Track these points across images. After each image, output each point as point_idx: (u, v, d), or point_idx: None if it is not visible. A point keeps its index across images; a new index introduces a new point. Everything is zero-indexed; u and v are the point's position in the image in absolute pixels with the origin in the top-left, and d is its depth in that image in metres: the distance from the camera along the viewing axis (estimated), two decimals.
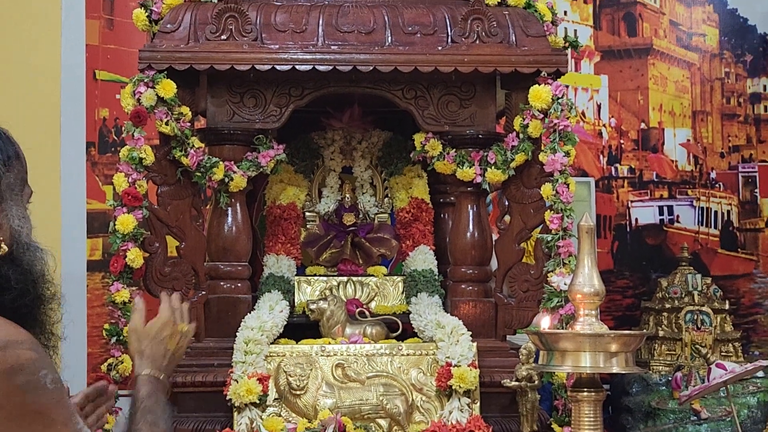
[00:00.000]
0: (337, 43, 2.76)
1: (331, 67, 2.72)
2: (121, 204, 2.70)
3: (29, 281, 1.63)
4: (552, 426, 2.73)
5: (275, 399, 2.62)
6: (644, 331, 3.54)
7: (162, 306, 2.06)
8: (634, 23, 4.39)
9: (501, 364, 2.75)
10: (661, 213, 4.36)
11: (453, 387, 2.60)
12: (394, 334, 2.83)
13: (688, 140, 4.39)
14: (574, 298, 1.88)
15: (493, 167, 2.83)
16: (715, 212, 4.38)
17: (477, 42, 2.78)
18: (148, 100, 2.70)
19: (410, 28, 2.79)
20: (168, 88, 2.72)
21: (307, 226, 3.13)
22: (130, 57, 3.60)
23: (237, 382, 2.56)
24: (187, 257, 2.84)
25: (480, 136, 2.87)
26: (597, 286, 1.86)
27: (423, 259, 3.02)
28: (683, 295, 3.65)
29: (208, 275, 2.85)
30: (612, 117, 4.34)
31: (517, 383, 2.65)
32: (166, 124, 2.73)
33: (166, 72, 2.72)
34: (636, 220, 4.33)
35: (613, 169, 4.34)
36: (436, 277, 2.96)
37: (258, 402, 2.57)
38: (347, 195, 3.14)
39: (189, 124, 2.77)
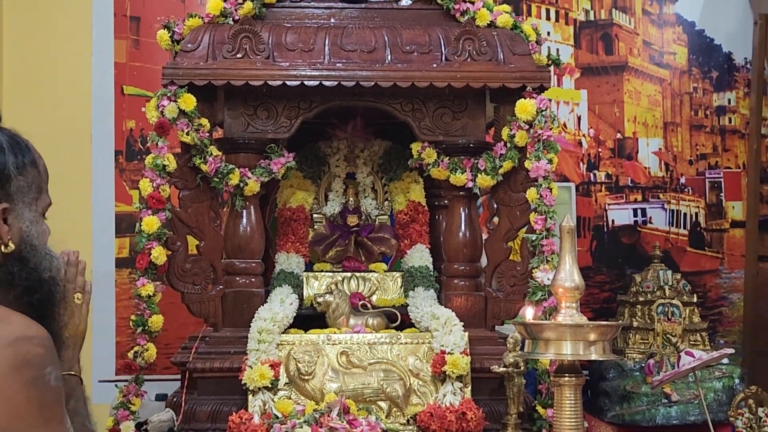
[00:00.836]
0: (342, 61, 2.76)
1: (336, 83, 2.73)
2: (146, 207, 2.70)
3: (35, 280, 1.59)
4: (536, 408, 2.73)
5: (286, 383, 2.62)
6: (620, 322, 3.54)
7: None
8: (611, 43, 4.38)
9: (490, 351, 2.75)
10: (635, 215, 4.35)
11: (447, 372, 2.60)
12: (394, 325, 2.83)
13: (660, 149, 4.38)
14: (557, 292, 1.88)
15: (483, 173, 2.83)
16: (684, 214, 4.37)
17: (468, 60, 2.78)
18: (170, 113, 2.70)
19: (408, 48, 2.79)
20: (189, 101, 2.72)
21: (315, 227, 3.13)
22: (154, 74, 3.60)
23: (251, 368, 2.56)
24: (206, 255, 2.84)
25: (471, 145, 2.87)
26: (577, 281, 1.87)
27: (419, 256, 3.01)
28: (655, 290, 3.64)
29: (225, 271, 2.85)
30: (591, 128, 4.34)
31: (504, 369, 2.65)
32: (187, 134, 2.73)
33: (186, 87, 2.72)
34: (612, 221, 4.33)
35: (591, 175, 4.33)
36: (432, 273, 2.96)
37: (270, 386, 2.57)
38: (351, 198, 3.14)
39: (207, 134, 2.77)
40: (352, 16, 2.96)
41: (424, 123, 2.85)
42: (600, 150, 4.35)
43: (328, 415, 2.41)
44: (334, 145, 3.16)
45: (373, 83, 2.72)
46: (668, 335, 3.54)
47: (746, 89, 4.40)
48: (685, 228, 4.37)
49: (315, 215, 3.14)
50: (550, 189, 2.78)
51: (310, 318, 2.84)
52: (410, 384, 2.66)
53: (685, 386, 3.36)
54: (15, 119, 4.13)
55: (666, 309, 3.60)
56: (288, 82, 2.72)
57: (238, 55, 2.74)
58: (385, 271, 3.03)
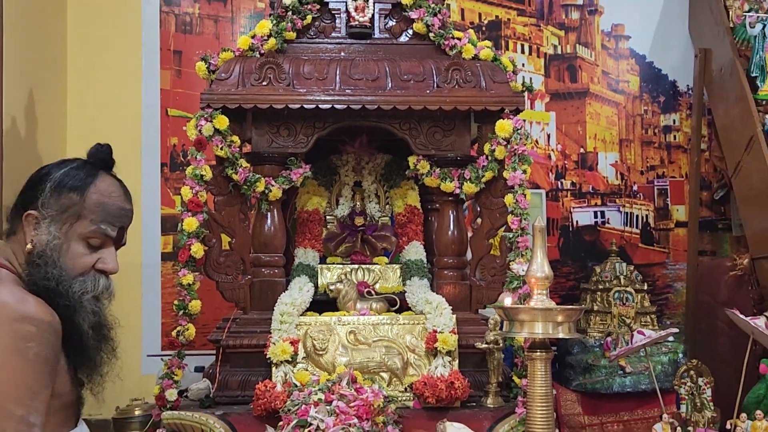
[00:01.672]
0: (350, 87, 2.75)
1: (345, 106, 2.72)
2: (187, 209, 2.70)
3: (41, 281, 1.59)
4: (513, 378, 2.72)
5: (303, 357, 2.62)
6: (583, 306, 3.53)
7: None
8: (575, 73, 4.37)
9: (474, 331, 2.74)
10: (595, 216, 4.34)
11: (438, 348, 2.60)
12: (393, 308, 2.83)
13: (616, 161, 4.37)
14: (530, 281, 1.88)
15: (468, 182, 2.83)
16: (637, 216, 4.36)
17: (456, 87, 2.78)
18: (207, 131, 2.70)
19: (405, 77, 2.79)
20: (222, 122, 2.72)
21: (328, 227, 3.13)
22: (193, 98, 3.61)
23: (274, 344, 2.56)
24: (237, 250, 2.84)
25: (458, 158, 2.87)
26: (547, 272, 1.86)
27: (415, 251, 3.01)
28: (612, 279, 3.63)
29: (252, 264, 2.85)
30: (558, 144, 4.33)
31: (486, 345, 2.65)
32: (221, 149, 2.73)
33: (220, 110, 2.72)
34: (576, 222, 4.32)
35: (559, 183, 4.32)
36: (425, 265, 2.95)
37: (290, 360, 2.57)
38: (358, 203, 3.13)
39: (238, 149, 2.77)
40: (359, 50, 2.95)
41: (419, 140, 2.84)
42: (566, 162, 4.34)
43: (339, 384, 2.41)
44: (343, 158, 3.15)
45: (376, 106, 2.72)
46: (623, 317, 3.54)
47: (688, 111, 4.39)
48: (637, 227, 4.37)
49: (328, 217, 3.14)
50: (525, 195, 2.77)
51: (323, 303, 2.84)
52: (407, 358, 2.66)
53: (637, 360, 3.35)
54: (79, 137, 4.15)
55: (621, 295, 3.59)
56: (305, 106, 2.72)
57: (264, 83, 2.73)
58: (386, 264, 3.03)
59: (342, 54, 2.94)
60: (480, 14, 4.33)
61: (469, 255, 2.94)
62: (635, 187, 4.38)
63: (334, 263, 3.02)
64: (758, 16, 3.97)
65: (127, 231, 1.82)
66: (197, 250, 2.69)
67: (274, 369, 2.56)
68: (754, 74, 3.93)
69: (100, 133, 3.88)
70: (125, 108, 4.00)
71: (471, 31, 3.03)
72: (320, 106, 2.72)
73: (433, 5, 2.92)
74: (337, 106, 2.72)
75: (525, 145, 2.78)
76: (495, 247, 2.93)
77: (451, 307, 2.68)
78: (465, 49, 2.87)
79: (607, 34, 4.41)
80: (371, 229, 3.09)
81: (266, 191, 2.79)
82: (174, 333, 2.69)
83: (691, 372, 2.96)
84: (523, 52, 4.34)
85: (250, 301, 2.81)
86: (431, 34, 2.92)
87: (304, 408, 2.25)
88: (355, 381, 2.45)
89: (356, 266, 2.99)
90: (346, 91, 2.74)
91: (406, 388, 2.62)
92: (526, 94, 2.91)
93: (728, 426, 2.83)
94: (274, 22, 2.88)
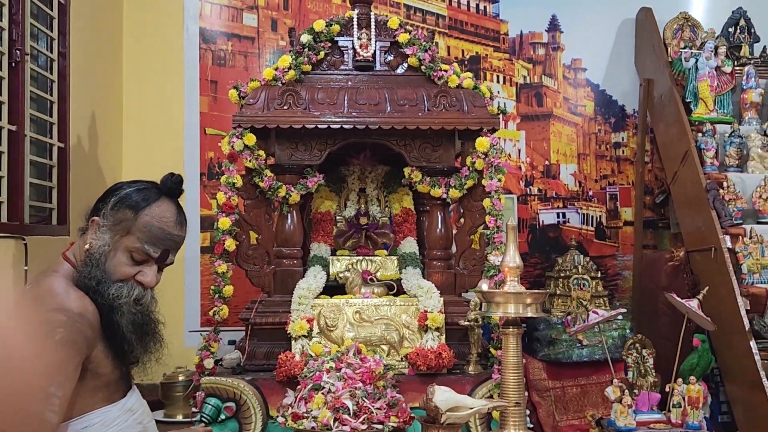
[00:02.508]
0: (356, 111, 2.76)
1: (352, 126, 2.73)
2: (222, 211, 2.71)
3: (88, 276, 1.55)
4: (490, 350, 2.73)
5: (317, 333, 2.62)
6: (547, 291, 3.55)
7: None
8: (542, 99, 4.38)
9: (458, 311, 2.74)
10: (558, 217, 4.35)
11: (428, 325, 2.60)
12: (392, 292, 2.83)
13: (575, 172, 4.38)
14: (504, 270, 1.88)
15: (453, 188, 2.83)
16: (592, 216, 4.37)
17: (443, 110, 2.78)
18: (238, 147, 2.71)
19: (402, 102, 2.79)
20: (250, 139, 2.72)
21: (337, 225, 3.12)
22: (227, 120, 3.60)
23: (294, 322, 2.56)
24: (263, 245, 2.84)
25: (445, 168, 2.87)
26: (518, 263, 1.87)
27: (409, 245, 3.01)
28: (572, 268, 3.65)
29: (275, 256, 2.85)
30: (527, 157, 4.34)
31: (468, 323, 2.65)
32: (250, 161, 2.73)
33: (249, 129, 2.72)
34: (542, 221, 4.33)
35: (528, 189, 4.33)
36: (418, 257, 2.95)
37: (307, 335, 2.57)
38: (362, 205, 3.13)
39: (264, 161, 2.77)
40: (363, 80, 2.95)
41: (413, 154, 2.85)
42: (534, 172, 4.35)
43: (347, 355, 2.41)
44: (350, 169, 3.16)
45: (377, 126, 2.72)
46: (581, 300, 3.55)
47: (634, 130, 4.40)
48: (592, 226, 4.38)
49: (337, 217, 3.13)
50: (500, 199, 2.78)
51: (334, 288, 2.83)
52: (403, 333, 2.66)
53: (592, 335, 3.36)
54: (133, 152, 4.13)
55: (579, 282, 3.60)
56: (319, 126, 2.72)
57: (285, 107, 2.73)
58: (386, 256, 3.03)
59: (349, 83, 2.94)
60: (463, 50, 4.34)
61: (453, 248, 2.95)
62: (591, 193, 4.39)
63: (342, 255, 3.02)
64: (692, 52, 3.99)
65: (175, 254, 1.71)
66: (230, 244, 2.69)
67: (293, 342, 2.56)
68: (688, 100, 3.96)
69: (150, 149, 3.91)
70: (171, 127, 4.01)
71: (455, 64, 3.04)
72: (331, 126, 2.72)
73: (424, 43, 2.93)
74: (345, 126, 2.72)
75: (500, 158, 2.78)
76: (475, 242, 2.94)
77: (439, 292, 2.68)
78: (450, 79, 2.87)
79: (567, 66, 4.43)
80: (373, 227, 3.09)
81: (287, 196, 2.79)
82: (211, 312, 2.69)
83: (637, 345, 2.97)
84: (498, 81, 4.35)
85: (273, 286, 2.81)
86: (423, 67, 2.92)
87: (318, 374, 2.25)
88: (360, 352, 2.45)
89: (361, 258, 2.99)
90: (353, 114, 2.74)
91: (402, 358, 2.63)
92: (500, 116, 2.91)
93: (667, 389, 2.84)
94: (294, 57, 2.88)
